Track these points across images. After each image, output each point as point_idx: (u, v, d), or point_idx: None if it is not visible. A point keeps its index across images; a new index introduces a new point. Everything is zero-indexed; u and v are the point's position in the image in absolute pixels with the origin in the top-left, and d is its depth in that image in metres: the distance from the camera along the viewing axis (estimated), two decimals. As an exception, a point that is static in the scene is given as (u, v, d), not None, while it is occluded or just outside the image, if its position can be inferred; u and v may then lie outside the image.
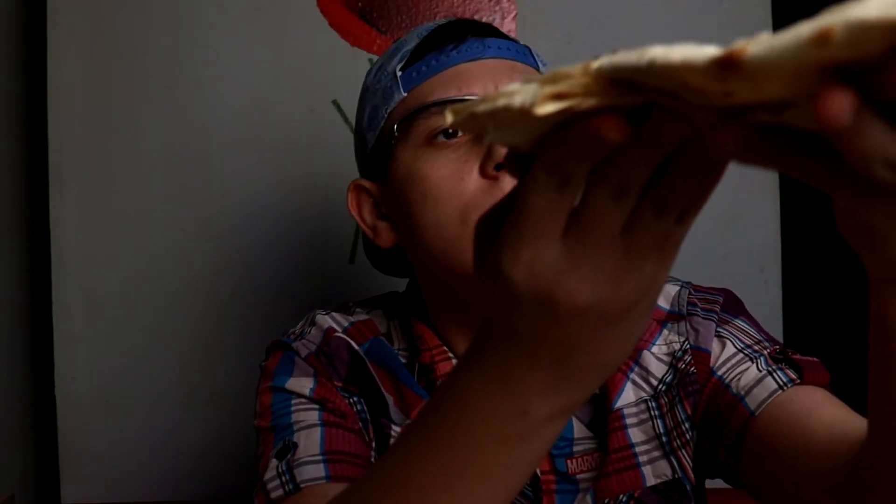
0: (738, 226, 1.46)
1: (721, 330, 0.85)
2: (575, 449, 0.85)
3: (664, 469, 0.83)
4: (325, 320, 0.90)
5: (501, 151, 0.70)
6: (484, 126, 0.40)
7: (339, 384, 0.84)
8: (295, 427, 0.80)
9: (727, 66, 0.31)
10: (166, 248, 1.45)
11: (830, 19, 0.28)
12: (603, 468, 0.83)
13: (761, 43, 0.31)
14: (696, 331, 0.85)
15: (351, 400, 0.83)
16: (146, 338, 1.45)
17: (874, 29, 0.27)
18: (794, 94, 0.32)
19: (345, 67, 1.44)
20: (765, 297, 1.45)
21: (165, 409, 1.45)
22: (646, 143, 0.37)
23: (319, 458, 0.76)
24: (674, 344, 0.86)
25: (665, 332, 0.86)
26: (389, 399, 0.85)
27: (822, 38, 0.29)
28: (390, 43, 1.45)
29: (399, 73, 0.83)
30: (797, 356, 0.83)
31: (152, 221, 1.45)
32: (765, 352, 0.84)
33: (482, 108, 0.39)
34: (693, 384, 0.84)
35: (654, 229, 0.39)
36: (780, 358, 0.83)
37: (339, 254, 1.45)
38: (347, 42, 1.45)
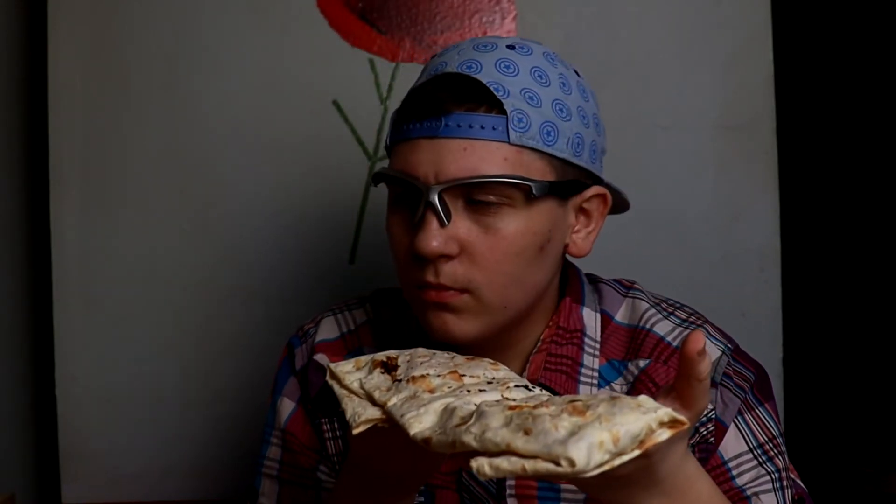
0: (738, 226, 1.46)
1: (740, 419, 0.89)
2: None
3: None
4: (324, 328, 1.02)
5: (419, 240, 0.82)
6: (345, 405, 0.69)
7: (310, 406, 0.98)
8: (265, 465, 1.01)
9: (425, 443, 0.59)
10: (166, 248, 1.45)
11: (466, 437, 0.56)
12: None
13: (439, 435, 0.58)
14: (725, 404, 0.89)
15: (317, 422, 0.97)
16: (146, 338, 1.45)
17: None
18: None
19: (345, 68, 1.44)
20: (765, 297, 1.45)
21: (165, 409, 1.45)
22: None
23: None
24: None
25: None
26: None
27: (425, 443, 0.59)
28: (390, 43, 1.46)
29: (394, 118, 0.88)
30: None
31: (152, 221, 1.45)
32: (783, 474, 0.88)
33: (344, 403, 0.69)
34: (705, 451, 0.88)
35: None
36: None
37: (339, 254, 1.45)
38: (347, 42, 1.45)
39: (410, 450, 0.71)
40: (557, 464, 0.51)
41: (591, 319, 0.93)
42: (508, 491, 0.89)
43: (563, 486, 0.89)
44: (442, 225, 0.81)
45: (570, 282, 0.95)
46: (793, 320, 1.53)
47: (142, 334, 1.45)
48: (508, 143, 0.81)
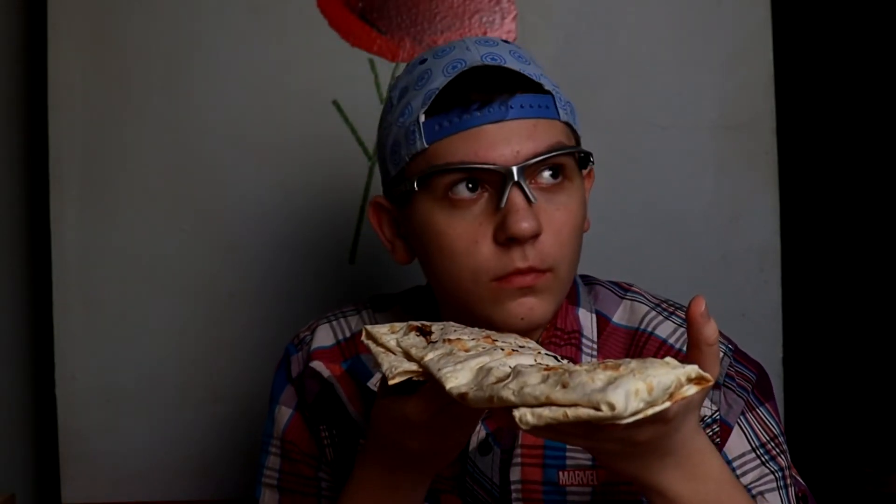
0: (738, 226, 1.46)
1: (742, 419, 0.89)
2: (568, 462, 0.88)
3: None
4: (320, 335, 1.00)
5: (514, 223, 0.79)
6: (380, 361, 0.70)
7: (308, 413, 0.97)
8: (264, 474, 0.99)
9: (461, 398, 0.61)
10: (166, 248, 1.45)
11: (504, 393, 0.57)
12: (608, 495, 0.87)
13: (476, 391, 0.60)
14: (729, 406, 0.89)
15: (316, 428, 0.97)
16: (146, 337, 1.45)
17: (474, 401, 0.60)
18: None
19: (345, 68, 1.44)
20: (765, 297, 1.45)
21: (165, 409, 1.45)
22: None
23: None
24: (704, 409, 0.88)
25: None
26: (359, 421, 0.94)
27: (461, 398, 0.61)
28: (390, 43, 1.46)
29: (422, 120, 0.83)
30: None
31: (152, 221, 1.45)
32: (786, 473, 0.89)
33: (381, 358, 0.70)
34: None
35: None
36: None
37: (339, 254, 1.45)
38: (347, 42, 1.45)
39: (434, 424, 0.71)
40: (598, 409, 0.53)
41: (586, 320, 0.93)
42: (514, 494, 0.89)
43: (569, 487, 0.88)
44: (529, 203, 0.80)
45: None
46: (793, 320, 1.53)
47: (142, 334, 1.45)
48: (560, 119, 0.85)
